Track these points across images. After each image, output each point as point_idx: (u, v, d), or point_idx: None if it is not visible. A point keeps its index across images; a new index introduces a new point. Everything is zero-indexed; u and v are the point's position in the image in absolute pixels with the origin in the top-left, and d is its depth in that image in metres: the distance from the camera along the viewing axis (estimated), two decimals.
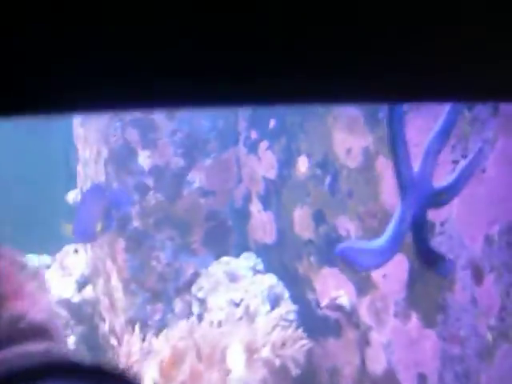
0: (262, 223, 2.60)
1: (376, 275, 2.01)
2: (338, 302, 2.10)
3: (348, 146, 2.10)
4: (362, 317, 2.08)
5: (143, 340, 1.91)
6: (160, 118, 2.65)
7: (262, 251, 2.61)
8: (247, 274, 2.38)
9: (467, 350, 1.74)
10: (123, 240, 2.63)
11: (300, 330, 1.91)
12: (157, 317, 2.64)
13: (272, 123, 2.49)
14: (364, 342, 2.07)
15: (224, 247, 2.72)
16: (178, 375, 1.70)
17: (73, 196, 3.09)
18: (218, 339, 1.81)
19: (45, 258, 3.32)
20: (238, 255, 2.62)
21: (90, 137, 2.85)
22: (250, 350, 1.78)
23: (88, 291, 2.97)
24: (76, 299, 2.95)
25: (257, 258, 2.48)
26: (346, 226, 2.12)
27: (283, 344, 1.81)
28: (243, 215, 2.70)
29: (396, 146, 0.97)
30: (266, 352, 1.77)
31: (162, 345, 1.83)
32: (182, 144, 2.69)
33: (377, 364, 2.03)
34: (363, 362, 2.09)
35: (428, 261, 1.10)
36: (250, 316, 2.03)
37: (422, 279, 1.86)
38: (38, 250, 3.39)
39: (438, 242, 1.81)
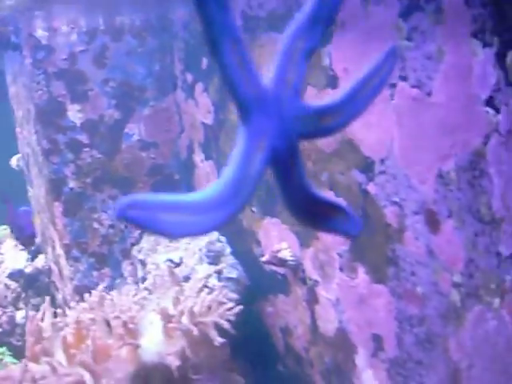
0: (205, 174, 2.19)
1: None
2: (280, 255, 1.71)
3: None
4: (307, 271, 1.68)
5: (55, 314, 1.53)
6: (88, 66, 2.22)
7: None
8: None
9: (428, 311, 1.34)
10: (60, 204, 2.23)
11: (226, 292, 1.51)
12: (104, 283, 2.26)
13: (204, 62, 2.06)
14: (313, 299, 1.68)
15: None
16: (81, 353, 1.33)
17: (15, 161, 2.69)
18: (132, 309, 1.44)
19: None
20: None
21: (20, 94, 2.43)
22: (168, 319, 1.40)
23: (41, 260, 2.58)
24: (29, 269, 2.57)
25: None
26: None
27: (208, 309, 1.43)
28: (189, 167, 2.29)
29: (217, 40, 0.55)
30: (185, 320, 1.39)
31: (72, 319, 1.45)
32: (115, 94, 2.26)
33: (328, 323, 1.64)
34: (314, 321, 1.70)
35: (314, 216, 0.68)
36: (181, 278, 1.64)
37: (365, 227, 1.45)
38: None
39: (380, 184, 1.40)
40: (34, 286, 2.56)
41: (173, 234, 0.57)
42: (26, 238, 2.63)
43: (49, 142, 2.20)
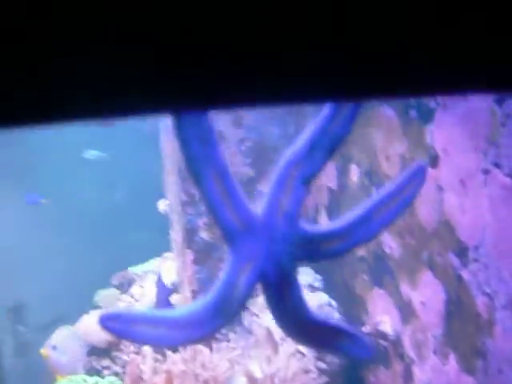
0: None
1: (416, 301, 1.56)
2: (380, 328, 1.67)
3: (387, 152, 1.66)
4: (405, 348, 1.62)
5: (156, 360, 1.62)
6: (226, 126, 2.33)
7: (327, 266, 2.20)
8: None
9: None
10: (191, 252, 2.35)
11: (313, 361, 1.50)
12: (224, 330, 2.33)
13: None
14: (408, 377, 1.62)
15: None
16: None
17: (163, 205, 2.88)
18: (222, 367, 1.48)
19: (152, 263, 3.15)
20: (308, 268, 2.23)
21: (168, 148, 2.61)
22: (253, 382, 1.42)
23: (176, 298, 2.73)
24: None
25: (315, 273, 2.09)
26: (390, 242, 1.67)
27: (293, 376, 1.43)
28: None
29: (199, 173, 0.59)
30: None
31: (165, 368, 1.52)
32: (250, 153, 2.35)
33: None
34: None
35: (315, 339, 0.68)
36: (278, 341, 1.66)
37: (459, 314, 1.38)
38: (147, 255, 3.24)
39: (472, 271, 1.33)
40: None
41: (148, 345, 0.60)
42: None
43: (186, 194, 2.33)
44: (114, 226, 3.70)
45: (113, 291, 3.11)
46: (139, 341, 0.58)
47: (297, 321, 0.65)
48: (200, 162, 0.57)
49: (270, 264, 0.63)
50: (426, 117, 1.44)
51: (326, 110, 0.62)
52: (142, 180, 3.63)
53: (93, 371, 2.59)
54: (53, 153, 3.50)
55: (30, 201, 3.05)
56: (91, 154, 3.61)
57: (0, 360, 3.26)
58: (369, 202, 0.66)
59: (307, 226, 0.64)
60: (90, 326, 2.61)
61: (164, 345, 0.59)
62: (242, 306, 0.62)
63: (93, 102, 0.33)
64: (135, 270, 3.16)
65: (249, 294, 0.63)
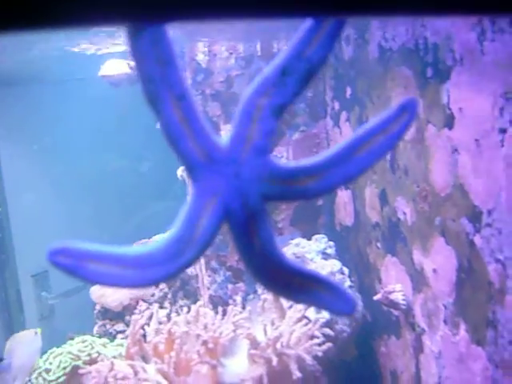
0: (343, 203, 2.13)
1: (428, 269, 1.49)
2: (392, 297, 1.60)
3: None
4: (416, 317, 1.56)
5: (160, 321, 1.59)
6: (243, 89, 2.27)
7: (344, 233, 2.14)
8: (315, 258, 1.94)
9: None
10: None
11: (318, 326, 1.44)
12: (238, 297, 2.29)
13: (348, 91, 2.01)
14: (419, 347, 1.56)
15: (313, 227, 2.29)
16: (162, 363, 1.35)
17: (180, 171, 2.83)
18: (225, 330, 1.44)
19: None
20: (326, 235, 2.17)
21: None
22: (256, 345, 1.38)
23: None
24: (182, 274, 2.69)
25: (328, 240, 2.03)
26: (403, 208, 1.60)
27: (297, 341, 1.38)
28: (331, 194, 2.24)
29: (156, 97, 0.53)
30: (270, 349, 1.36)
31: (167, 328, 1.49)
32: None
33: (429, 376, 1.51)
34: (418, 370, 1.57)
35: (289, 288, 0.62)
36: (285, 305, 1.61)
37: (470, 282, 1.31)
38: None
39: (485, 237, 1.25)
40: (184, 289, 2.68)
41: (102, 284, 0.56)
42: None
43: None
44: (141, 197, 3.67)
45: None
46: (91, 279, 0.53)
47: (266, 264, 0.59)
48: (157, 83, 0.51)
49: (236, 201, 0.57)
50: (443, 75, 1.36)
51: (301, 31, 0.55)
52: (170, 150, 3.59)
53: (106, 335, 2.58)
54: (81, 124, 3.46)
55: None
56: None
57: (23, 325, 3.30)
58: (349, 139, 0.59)
59: (277, 161, 0.58)
60: (104, 289, 2.60)
61: (119, 284, 0.53)
62: (206, 245, 0.57)
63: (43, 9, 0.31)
64: (158, 238, 3.13)
65: (212, 232, 0.57)
